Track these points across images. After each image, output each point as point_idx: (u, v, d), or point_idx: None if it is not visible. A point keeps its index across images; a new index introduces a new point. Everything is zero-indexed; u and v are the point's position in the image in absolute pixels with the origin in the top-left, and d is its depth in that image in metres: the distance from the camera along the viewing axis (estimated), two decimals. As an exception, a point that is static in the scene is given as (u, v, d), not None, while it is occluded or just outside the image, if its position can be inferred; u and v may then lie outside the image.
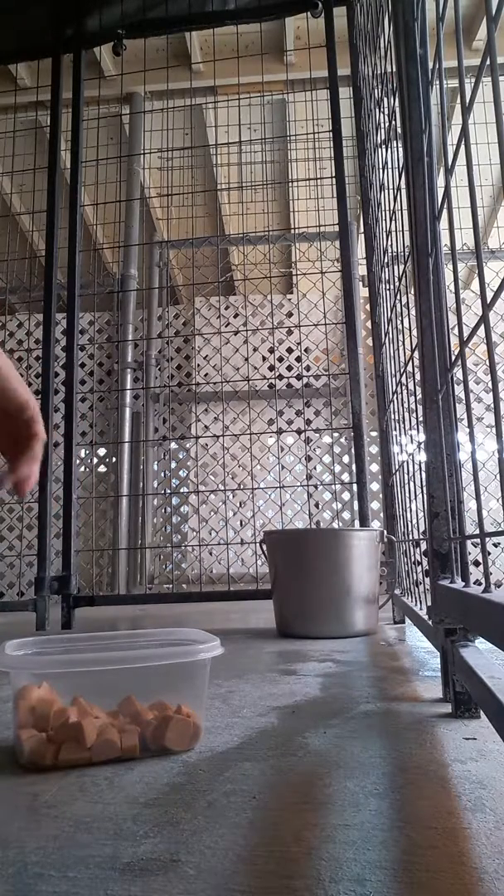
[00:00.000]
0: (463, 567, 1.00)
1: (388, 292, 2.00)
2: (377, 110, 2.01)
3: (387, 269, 1.98)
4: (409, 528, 1.75)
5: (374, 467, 3.44)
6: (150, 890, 0.48)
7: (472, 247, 0.76)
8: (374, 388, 2.44)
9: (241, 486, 3.58)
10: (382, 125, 1.79)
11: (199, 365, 3.93)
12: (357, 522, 2.45)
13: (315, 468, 3.87)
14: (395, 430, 2.03)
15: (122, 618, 2.15)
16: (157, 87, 3.31)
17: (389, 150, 1.59)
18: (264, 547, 1.96)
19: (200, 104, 3.65)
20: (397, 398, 1.87)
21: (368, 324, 2.67)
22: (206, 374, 3.92)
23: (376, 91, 2.01)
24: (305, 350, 3.87)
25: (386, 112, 1.68)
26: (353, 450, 2.57)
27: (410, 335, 1.44)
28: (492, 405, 2.40)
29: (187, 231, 3.30)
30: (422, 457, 1.21)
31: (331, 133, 2.54)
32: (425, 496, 1.12)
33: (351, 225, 2.83)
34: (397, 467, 1.99)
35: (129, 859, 0.52)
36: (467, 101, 0.77)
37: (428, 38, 1.14)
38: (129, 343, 3.80)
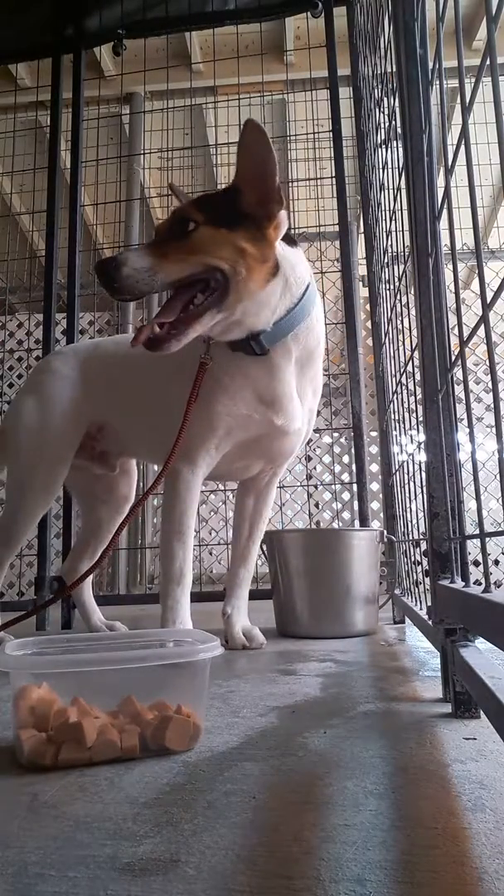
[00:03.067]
0: (463, 567, 1.00)
1: (388, 292, 1.99)
2: (377, 110, 2.01)
3: (387, 269, 1.98)
4: (409, 528, 1.75)
5: (374, 467, 3.44)
6: (150, 890, 0.48)
7: (472, 247, 0.76)
8: (374, 388, 2.44)
9: (241, 486, 3.58)
10: (382, 125, 1.79)
11: (199, 365, 3.92)
12: (357, 522, 2.44)
13: (315, 468, 3.87)
14: (395, 430, 2.03)
15: (122, 618, 2.14)
16: (157, 87, 3.30)
17: (389, 150, 1.59)
18: (264, 547, 1.96)
19: (200, 104, 3.64)
20: (397, 398, 1.87)
21: (368, 324, 2.67)
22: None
23: (376, 91, 2.01)
24: (305, 350, 3.86)
25: (386, 112, 1.68)
26: (353, 450, 2.57)
27: (410, 335, 1.44)
28: (492, 405, 2.40)
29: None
30: (422, 457, 1.21)
31: (331, 133, 2.54)
32: (425, 496, 1.11)
33: (351, 225, 2.83)
34: (397, 467, 1.99)
35: (129, 859, 0.52)
36: (467, 101, 0.77)
37: (428, 38, 1.14)
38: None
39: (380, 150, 1.88)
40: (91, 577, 2.04)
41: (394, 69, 1.31)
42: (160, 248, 1.27)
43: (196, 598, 2.58)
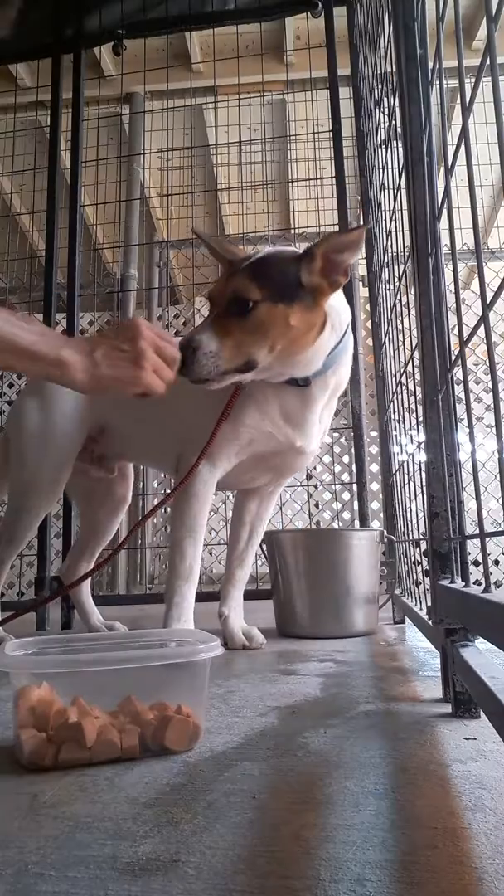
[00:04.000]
0: (463, 567, 1.00)
1: (388, 292, 1.99)
2: (377, 110, 2.01)
3: (387, 269, 1.98)
4: (409, 528, 1.74)
5: (374, 467, 3.44)
6: (149, 890, 0.48)
7: (472, 247, 0.76)
8: (374, 388, 2.44)
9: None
10: (382, 125, 1.79)
11: (199, 365, 3.91)
12: (357, 522, 2.44)
13: (315, 468, 3.87)
14: (395, 430, 2.03)
15: (122, 618, 2.14)
16: (157, 87, 3.30)
17: (389, 150, 1.59)
18: (264, 547, 1.96)
19: (200, 104, 3.64)
20: (397, 398, 1.87)
21: (368, 324, 2.67)
22: (206, 374, 3.90)
23: (376, 91, 2.00)
24: (305, 350, 3.85)
25: (386, 112, 1.68)
26: (353, 450, 2.57)
27: (410, 335, 1.44)
28: (492, 405, 2.40)
29: (187, 231, 3.29)
30: (422, 457, 1.21)
31: (331, 133, 2.54)
32: (425, 496, 1.11)
33: (351, 225, 2.83)
34: (397, 467, 1.99)
35: (128, 859, 0.52)
36: (467, 101, 0.77)
37: (428, 39, 1.14)
38: (129, 343, 3.78)
39: (380, 150, 1.88)
40: (89, 577, 2.05)
41: (394, 69, 1.31)
42: (223, 328, 1.29)
43: (196, 598, 2.58)
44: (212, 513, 3.73)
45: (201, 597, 2.53)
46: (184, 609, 1.47)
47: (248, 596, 2.07)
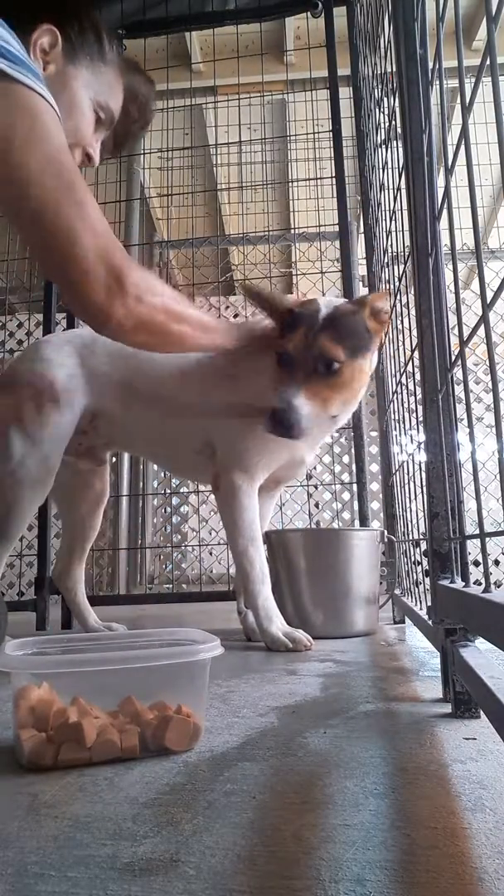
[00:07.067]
0: (463, 567, 1.00)
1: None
2: (377, 110, 2.01)
3: (387, 269, 1.98)
4: (409, 528, 1.74)
5: (374, 467, 3.44)
6: (150, 890, 0.48)
7: (472, 247, 0.76)
8: (374, 388, 2.44)
9: (241, 486, 3.57)
10: (382, 125, 1.79)
11: (199, 365, 3.91)
12: (357, 522, 2.44)
13: (315, 468, 3.87)
14: (395, 430, 2.03)
15: (122, 618, 2.14)
16: (156, 87, 3.30)
17: (389, 150, 1.59)
18: (264, 547, 1.96)
19: (200, 104, 3.64)
20: (397, 398, 1.87)
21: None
22: (206, 374, 3.90)
23: (376, 91, 2.00)
24: (305, 350, 3.84)
25: (386, 112, 1.68)
26: (353, 450, 2.57)
27: (410, 335, 1.44)
28: (492, 405, 2.40)
29: (187, 231, 3.29)
30: (422, 457, 1.21)
31: (331, 133, 2.54)
32: (425, 496, 1.11)
33: (351, 225, 2.83)
34: (397, 467, 1.99)
35: (128, 859, 0.52)
36: (467, 101, 0.77)
37: (428, 39, 1.14)
38: (129, 343, 3.78)
39: (380, 150, 1.88)
40: (83, 577, 2.04)
41: (394, 69, 1.31)
42: (312, 389, 1.37)
43: (196, 598, 2.59)
44: (212, 513, 3.74)
45: (202, 597, 2.54)
46: (270, 608, 1.58)
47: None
